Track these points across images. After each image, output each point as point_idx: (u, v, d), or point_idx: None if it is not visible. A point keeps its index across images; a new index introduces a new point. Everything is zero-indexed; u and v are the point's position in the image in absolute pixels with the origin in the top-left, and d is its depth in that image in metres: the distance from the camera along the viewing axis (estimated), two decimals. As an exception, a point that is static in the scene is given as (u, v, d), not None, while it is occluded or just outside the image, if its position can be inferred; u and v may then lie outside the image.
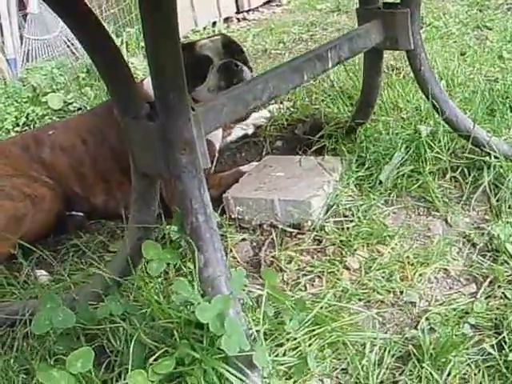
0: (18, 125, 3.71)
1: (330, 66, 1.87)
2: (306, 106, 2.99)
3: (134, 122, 1.42)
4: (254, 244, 2.08)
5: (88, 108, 3.84)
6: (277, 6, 6.09)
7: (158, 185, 1.56)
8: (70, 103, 3.94)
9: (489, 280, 1.78)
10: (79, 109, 3.87)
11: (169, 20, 1.26)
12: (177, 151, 1.34)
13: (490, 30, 3.86)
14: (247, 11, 5.92)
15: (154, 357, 1.33)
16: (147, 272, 1.57)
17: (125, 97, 1.44)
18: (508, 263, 1.83)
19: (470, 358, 1.53)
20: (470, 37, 3.75)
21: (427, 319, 1.66)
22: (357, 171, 2.27)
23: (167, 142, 1.35)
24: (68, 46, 4.87)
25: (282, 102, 3.13)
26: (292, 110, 3.02)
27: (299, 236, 2.04)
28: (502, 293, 1.73)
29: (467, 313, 1.67)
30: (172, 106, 1.33)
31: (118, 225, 2.41)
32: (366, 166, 2.28)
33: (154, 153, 1.38)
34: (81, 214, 2.47)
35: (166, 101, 1.33)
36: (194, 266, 1.36)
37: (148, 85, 2.21)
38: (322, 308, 1.64)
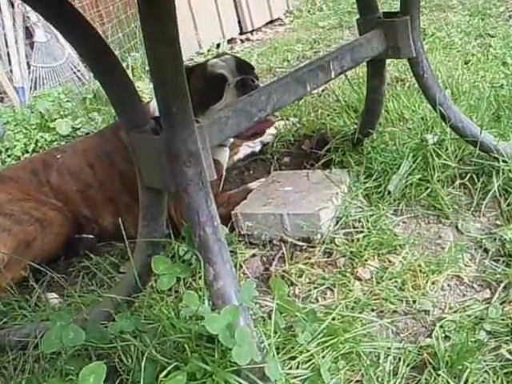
0: (27, 151, 3.74)
1: (332, 76, 1.87)
2: (312, 121, 2.99)
3: (140, 136, 1.42)
4: (264, 259, 2.07)
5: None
6: (280, 25, 6.13)
7: (166, 199, 1.56)
8: (78, 128, 3.97)
9: (503, 285, 1.76)
10: (87, 133, 3.89)
11: (170, 34, 1.27)
12: (182, 164, 1.34)
13: (493, 37, 3.86)
14: (251, 32, 5.96)
15: (164, 372, 1.32)
16: (157, 289, 1.56)
17: (131, 112, 1.45)
18: (522, 267, 1.81)
19: (487, 365, 1.50)
20: (473, 45, 3.76)
21: (441, 327, 1.64)
22: (365, 182, 2.26)
23: (172, 155, 1.35)
24: (74, 73, 4.91)
25: (288, 119, 3.13)
26: (298, 125, 3.01)
27: (309, 249, 2.03)
28: (518, 297, 1.71)
29: (482, 319, 1.65)
30: (176, 119, 1.33)
31: (129, 246, 2.41)
32: (374, 176, 2.27)
33: (159, 166, 1.38)
34: (90, 236, 2.48)
35: (169, 114, 1.33)
36: (204, 280, 1.36)
37: (154, 107, 2.22)
38: (334, 319, 1.63)
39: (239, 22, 5.92)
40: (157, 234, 1.53)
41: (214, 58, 2.49)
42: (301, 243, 2.06)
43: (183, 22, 4.92)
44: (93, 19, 4.81)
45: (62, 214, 2.39)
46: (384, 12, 2.17)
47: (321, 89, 3.52)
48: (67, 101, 4.29)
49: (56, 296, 2.11)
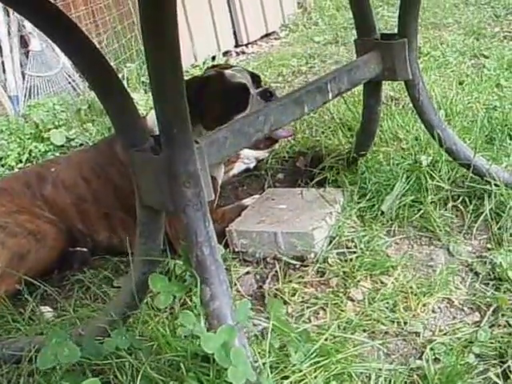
0: (20, 161, 3.73)
1: (330, 97, 1.90)
2: (307, 138, 3.02)
3: (139, 154, 1.44)
4: (258, 277, 2.09)
5: (90, 144, 3.88)
6: (275, 39, 6.16)
7: (163, 217, 1.58)
8: (72, 139, 3.97)
9: (492, 309, 1.79)
10: (81, 144, 3.90)
11: (172, 57, 1.29)
12: (181, 184, 1.36)
13: (487, 58, 3.90)
14: (246, 45, 5.99)
15: (160, 391, 1.34)
16: (153, 306, 1.58)
17: (129, 130, 1.47)
18: (511, 291, 1.83)
19: (476, 388, 1.53)
20: (467, 65, 3.80)
21: (432, 349, 1.66)
22: (358, 202, 2.29)
23: (171, 175, 1.36)
24: (69, 83, 4.92)
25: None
26: (293, 142, 3.04)
27: (303, 268, 2.05)
28: (506, 321, 1.73)
29: (471, 342, 1.67)
30: (176, 140, 1.35)
31: (122, 260, 2.42)
32: (368, 196, 2.30)
33: (158, 185, 1.40)
34: (84, 249, 2.48)
35: (170, 134, 1.35)
36: (200, 299, 1.37)
37: (151, 120, 2.23)
38: (326, 339, 1.65)
39: (235, 34, 5.95)
40: (153, 251, 1.54)
41: (222, 68, 2.49)
42: (294, 262, 2.08)
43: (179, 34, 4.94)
44: (89, 30, 4.83)
45: (57, 228, 2.39)
46: (381, 33, 2.20)
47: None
48: (62, 111, 4.29)
49: (50, 309, 2.12)
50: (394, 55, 2.11)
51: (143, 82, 4.84)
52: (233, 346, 1.31)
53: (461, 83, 3.46)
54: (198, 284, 1.36)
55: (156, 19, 1.26)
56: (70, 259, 2.44)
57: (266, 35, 6.22)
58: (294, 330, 1.58)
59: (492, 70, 3.60)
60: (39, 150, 3.82)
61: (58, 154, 3.80)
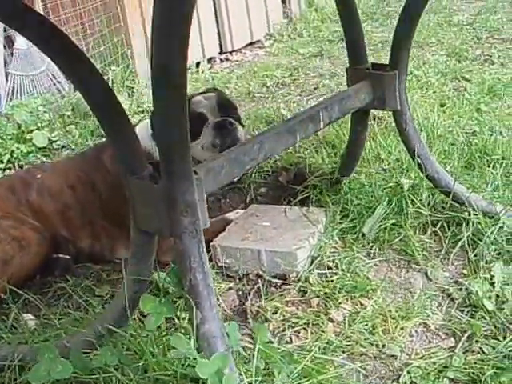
0: (1, 162, 3.72)
1: (321, 126, 1.95)
2: (291, 154, 3.06)
3: (138, 182, 1.47)
4: (240, 293, 2.13)
5: (72, 146, 3.89)
6: (259, 47, 6.20)
7: (156, 240, 1.61)
8: (55, 141, 3.98)
9: (467, 335, 1.85)
10: (63, 147, 3.91)
11: (179, 89, 1.32)
12: (179, 213, 1.40)
13: (469, 81, 3.98)
14: (230, 52, 6.02)
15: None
16: (140, 319, 1.61)
17: (128, 157, 1.50)
18: (485, 318, 1.89)
19: (449, 413, 1.59)
20: (449, 88, 3.87)
21: (408, 372, 1.72)
22: (340, 223, 2.34)
23: (170, 204, 1.41)
24: (54, 84, 4.91)
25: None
26: (276, 157, 3.08)
27: (284, 287, 2.09)
28: (480, 348, 1.79)
29: (446, 367, 1.73)
30: (177, 170, 1.40)
31: (104, 269, 2.45)
32: (350, 218, 2.35)
33: (156, 212, 1.44)
34: (67, 256, 2.50)
35: (171, 164, 1.39)
36: (191, 323, 1.41)
37: (139, 132, 2.26)
38: (308, 361, 1.69)
39: (220, 41, 5.98)
40: (145, 272, 1.58)
41: (201, 93, 2.54)
42: (276, 280, 2.13)
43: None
44: (77, 31, 4.83)
45: (41, 234, 2.41)
46: (372, 63, 2.26)
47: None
48: (45, 112, 4.29)
49: (32, 317, 2.13)
50: (384, 86, 2.17)
51: (127, 85, 4.85)
52: (226, 372, 1.35)
53: (442, 105, 3.53)
54: (192, 308, 1.39)
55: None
56: (52, 266, 2.45)
57: (251, 43, 6.26)
58: (278, 353, 1.63)
59: (473, 94, 3.67)
60: (21, 152, 3.81)
61: (39, 156, 3.81)
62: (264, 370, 1.62)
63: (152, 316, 1.45)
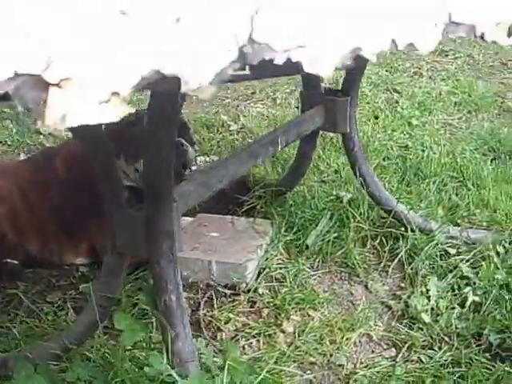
0: None
1: (279, 149, 2.08)
2: (233, 161, 3.14)
3: (119, 209, 1.55)
4: (192, 302, 2.22)
5: (9, 142, 3.85)
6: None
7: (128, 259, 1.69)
8: (-10, 136, 3.92)
9: (406, 346, 2.00)
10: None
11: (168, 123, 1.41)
12: (159, 240, 1.48)
13: (399, 93, 4.16)
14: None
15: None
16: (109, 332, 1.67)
17: (109, 190, 1.57)
18: (422, 330, 2.05)
19: (391, 419, 1.73)
20: (381, 100, 4.02)
21: (355, 381, 1.86)
22: (285, 235, 2.45)
23: (151, 232, 1.49)
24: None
25: (208, 155, 3.28)
26: (219, 164, 3.16)
27: (234, 297, 2.19)
28: (418, 357, 1.96)
29: (389, 375, 1.88)
30: (159, 198, 1.48)
31: (53, 274, 2.48)
32: (294, 230, 2.47)
33: (136, 238, 1.52)
34: (15, 261, 2.51)
35: (154, 193, 1.48)
36: (164, 340, 1.50)
37: None
38: (263, 370, 1.80)
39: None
40: (115, 288, 1.65)
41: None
42: (226, 291, 2.22)
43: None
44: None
45: (-13, 238, 2.42)
46: (325, 88, 2.39)
47: (239, 126, 3.71)
48: (-20, 105, 4.22)
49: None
50: (336, 110, 2.31)
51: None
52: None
53: (376, 117, 3.69)
54: (166, 327, 1.48)
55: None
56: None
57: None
58: (242, 365, 1.72)
59: (404, 107, 3.85)
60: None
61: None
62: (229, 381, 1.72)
63: (127, 333, 1.52)
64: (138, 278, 2.20)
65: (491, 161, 3.14)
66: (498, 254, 2.33)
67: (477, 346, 1.98)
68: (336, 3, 0.69)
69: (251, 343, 2.00)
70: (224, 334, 2.04)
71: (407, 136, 3.40)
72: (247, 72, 0.62)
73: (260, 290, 2.21)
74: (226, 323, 2.08)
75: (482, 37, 0.84)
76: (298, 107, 3.21)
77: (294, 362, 1.93)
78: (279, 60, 0.63)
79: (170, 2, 0.60)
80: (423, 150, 3.14)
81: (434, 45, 0.75)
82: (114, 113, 0.57)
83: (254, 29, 0.61)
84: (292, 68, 0.66)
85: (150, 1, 0.59)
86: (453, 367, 1.90)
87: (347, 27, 0.65)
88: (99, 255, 2.34)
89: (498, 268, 2.25)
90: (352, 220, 2.46)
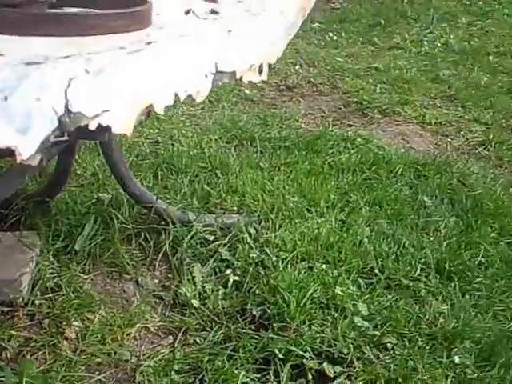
0: None
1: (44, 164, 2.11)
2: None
3: None
4: (-34, 323, 2.20)
5: None
6: None
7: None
8: None
9: (182, 331, 2.21)
10: None
11: None
12: None
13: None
14: None
15: None
16: None
17: None
18: (194, 314, 2.27)
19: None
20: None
21: (141, 372, 2.02)
22: (53, 244, 2.51)
23: None
24: None
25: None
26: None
27: (13, 313, 2.22)
28: (194, 340, 2.17)
29: (171, 361, 2.07)
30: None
31: None
32: (62, 237, 2.53)
33: None
34: None
35: None
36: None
37: None
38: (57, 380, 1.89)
39: None
40: None
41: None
42: (4, 308, 2.24)
43: None
44: None
45: None
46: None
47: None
48: None
49: None
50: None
51: None
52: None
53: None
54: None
55: None
56: None
57: None
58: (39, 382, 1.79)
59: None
60: None
61: None
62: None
63: None
64: None
65: (235, 148, 3.42)
66: (250, 234, 2.61)
67: (243, 320, 2.24)
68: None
69: (38, 356, 2.06)
70: (8, 352, 2.07)
71: (157, 131, 3.57)
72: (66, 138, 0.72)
73: (37, 302, 2.26)
74: (8, 341, 2.11)
75: (241, 79, 1.02)
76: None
77: (82, 365, 2.03)
78: (92, 126, 0.75)
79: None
80: (173, 144, 3.34)
81: (207, 93, 0.90)
82: None
83: (68, 100, 0.71)
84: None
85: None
86: (225, 343, 2.14)
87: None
88: None
89: (251, 248, 2.53)
90: (116, 221, 2.59)
